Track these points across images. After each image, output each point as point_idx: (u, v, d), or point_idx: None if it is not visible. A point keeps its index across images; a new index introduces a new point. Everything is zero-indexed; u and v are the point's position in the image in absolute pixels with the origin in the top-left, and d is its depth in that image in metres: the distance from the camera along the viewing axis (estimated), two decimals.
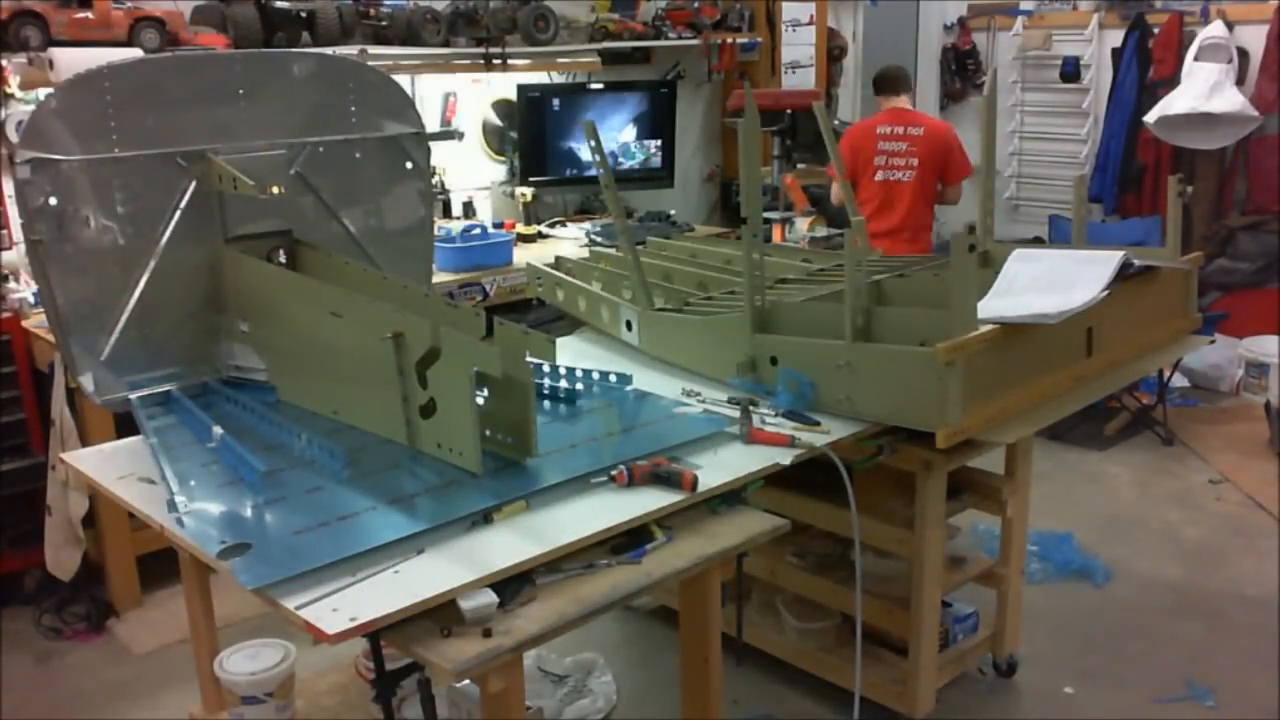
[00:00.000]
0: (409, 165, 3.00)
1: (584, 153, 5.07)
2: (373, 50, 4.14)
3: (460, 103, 4.90)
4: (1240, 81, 5.78)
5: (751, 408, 2.43)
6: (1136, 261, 2.73)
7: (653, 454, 2.25)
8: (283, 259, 2.77)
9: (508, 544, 1.95)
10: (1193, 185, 5.86)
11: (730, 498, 2.20)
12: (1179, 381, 5.40)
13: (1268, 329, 5.47)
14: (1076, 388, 2.67)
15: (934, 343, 2.31)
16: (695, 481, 2.14)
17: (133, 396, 2.58)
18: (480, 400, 2.21)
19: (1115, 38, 6.35)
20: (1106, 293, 2.56)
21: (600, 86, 5.21)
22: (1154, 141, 6.02)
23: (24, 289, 3.61)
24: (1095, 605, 3.66)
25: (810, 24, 6.13)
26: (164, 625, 3.54)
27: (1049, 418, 2.57)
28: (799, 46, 6.13)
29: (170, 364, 2.65)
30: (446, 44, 4.44)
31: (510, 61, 4.57)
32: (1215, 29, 5.78)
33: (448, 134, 3.50)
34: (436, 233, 3.68)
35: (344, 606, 1.74)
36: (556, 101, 5.04)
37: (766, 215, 4.51)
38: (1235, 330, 5.55)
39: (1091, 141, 6.62)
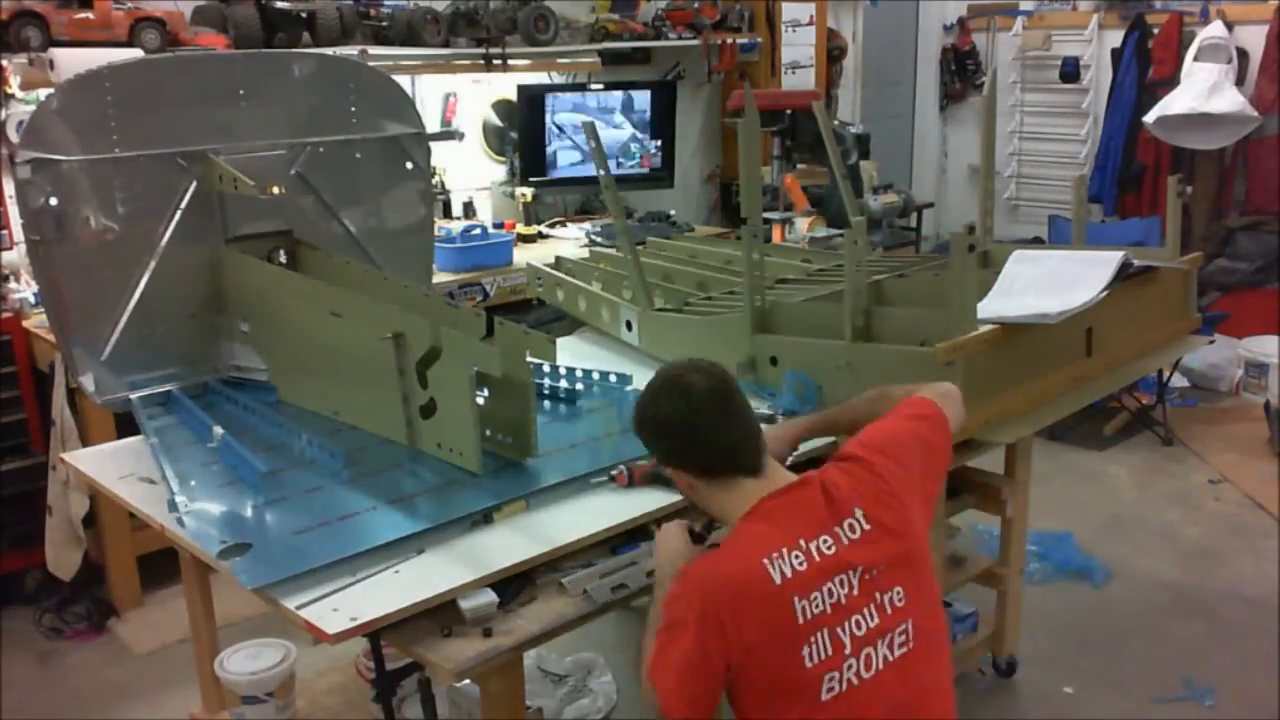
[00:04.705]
0: (409, 165, 3.00)
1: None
2: (373, 50, 4.14)
3: (460, 103, 4.90)
4: (1240, 81, 5.78)
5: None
6: (1136, 262, 2.73)
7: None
8: (283, 259, 2.77)
9: (508, 544, 1.95)
10: (1192, 185, 5.85)
11: None
12: (1179, 381, 5.40)
13: (1267, 329, 5.47)
14: (1076, 388, 2.67)
15: (934, 343, 2.32)
16: None
17: (133, 396, 2.58)
18: (480, 400, 2.21)
19: (1115, 38, 6.35)
20: (1106, 293, 2.56)
21: (600, 86, 5.21)
22: (1154, 142, 6.01)
23: (24, 289, 3.61)
24: (1094, 605, 3.66)
25: (810, 24, 6.12)
26: (164, 625, 3.54)
27: (1049, 418, 2.58)
28: (799, 47, 6.13)
29: (170, 364, 2.65)
30: (447, 44, 4.44)
31: (510, 62, 4.57)
32: (1215, 29, 5.78)
33: (448, 134, 3.50)
34: (436, 233, 3.68)
35: (344, 606, 1.74)
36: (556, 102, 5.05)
37: (766, 215, 4.51)
38: (1235, 330, 5.55)
39: (1091, 142, 6.62)
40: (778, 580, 1.63)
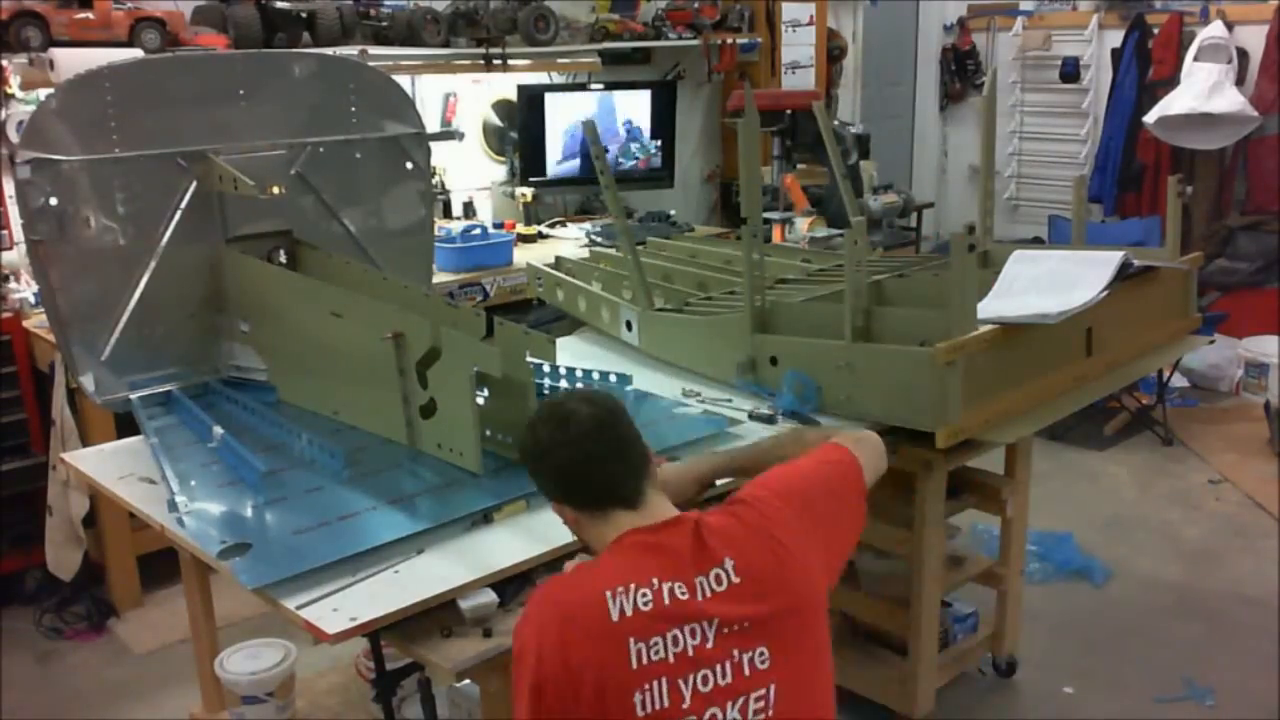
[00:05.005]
0: (409, 165, 3.00)
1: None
2: (373, 50, 4.14)
3: (460, 103, 4.90)
4: (1240, 81, 5.78)
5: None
6: (1136, 262, 2.74)
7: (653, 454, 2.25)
8: (283, 259, 2.77)
9: (508, 544, 1.95)
10: (1192, 185, 5.85)
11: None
12: (1179, 381, 5.40)
13: (1267, 329, 5.47)
14: (1076, 388, 2.67)
15: (934, 343, 2.32)
16: None
17: (133, 396, 2.58)
18: (480, 400, 2.21)
19: (1115, 38, 6.35)
20: (1106, 293, 2.56)
21: (600, 86, 5.21)
22: (1154, 141, 6.02)
23: (24, 289, 3.62)
24: (1095, 605, 3.66)
25: (810, 24, 6.13)
26: (164, 625, 3.54)
27: (1049, 418, 2.58)
28: (799, 46, 6.13)
29: (171, 364, 2.65)
30: (447, 44, 4.45)
31: (510, 62, 4.57)
32: (1215, 29, 5.78)
33: (448, 134, 3.50)
34: (437, 233, 3.68)
35: (344, 606, 1.74)
36: (557, 102, 5.05)
37: (766, 215, 4.51)
38: (1235, 330, 5.55)
39: (1091, 141, 6.63)
40: (615, 616, 1.52)
